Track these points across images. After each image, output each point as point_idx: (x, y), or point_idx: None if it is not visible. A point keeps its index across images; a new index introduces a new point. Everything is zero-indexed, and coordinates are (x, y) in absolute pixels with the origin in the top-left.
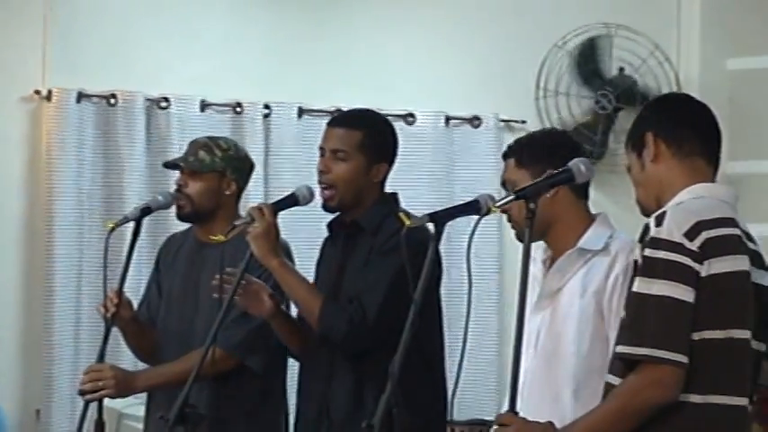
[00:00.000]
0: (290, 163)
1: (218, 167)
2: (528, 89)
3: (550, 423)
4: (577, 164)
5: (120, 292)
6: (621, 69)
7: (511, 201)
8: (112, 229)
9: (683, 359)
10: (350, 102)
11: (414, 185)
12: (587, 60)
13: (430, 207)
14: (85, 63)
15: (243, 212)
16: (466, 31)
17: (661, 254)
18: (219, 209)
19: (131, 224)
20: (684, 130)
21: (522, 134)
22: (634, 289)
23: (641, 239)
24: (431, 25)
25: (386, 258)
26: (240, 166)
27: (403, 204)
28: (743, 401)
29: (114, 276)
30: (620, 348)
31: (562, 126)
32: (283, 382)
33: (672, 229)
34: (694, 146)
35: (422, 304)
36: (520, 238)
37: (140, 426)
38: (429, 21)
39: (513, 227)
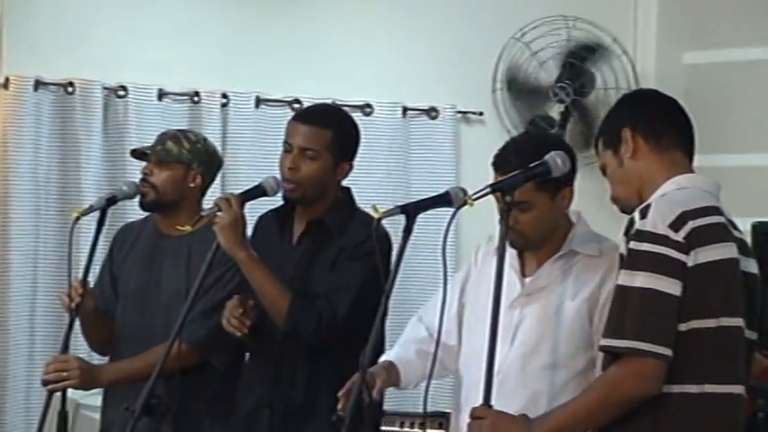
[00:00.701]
0: (247, 152)
1: (185, 159)
2: (485, 81)
3: (524, 415)
4: (554, 157)
5: (84, 282)
6: (569, 62)
7: (487, 193)
8: (77, 219)
9: (666, 351)
10: (307, 92)
11: (371, 176)
12: (578, 56)
13: (386, 198)
14: (43, 51)
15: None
16: (424, 23)
17: (645, 246)
18: (183, 201)
19: (89, 214)
20: (661, 123)
21: (479, 126)
22: (618, 282)
23: (626, 233)
24: (389, 16)
25: (357, 262)
26: (207, 161)
27: (357, 198)
28: (738, 389)
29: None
30: (603, 341)
31: (519, 118)
32: None
33: (656, 221)
34: (672, 139)
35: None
36: (517, 245)
37: (98, 416)
38: (387, 12)
39: (510, 235)
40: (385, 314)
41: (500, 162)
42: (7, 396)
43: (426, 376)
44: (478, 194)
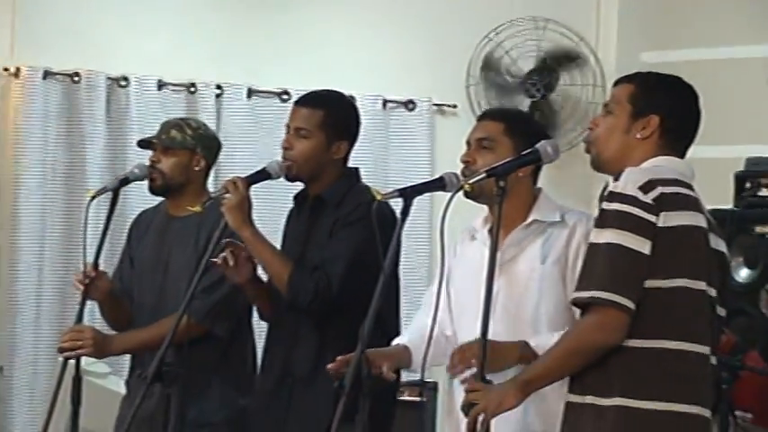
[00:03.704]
0: (240, 139)
1: (189, 145)
2: (460, 77)
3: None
4: (545, 146)
5: (95, 265)
6: (545, 60)
7: (483, 179)
8: (93, 198)
9: (629, 303)
10: (295, 84)
11: (353, 162)
12: (494, 75)
13: (367, 183)
14: (51, 43)
15: (212, 187)
16: (404, 22)
17: (614, 206)
18: (189, 183)
19: (103, 194)
20: (684, 134)
21: (454, 118)
22: (589, 240)
23: (600, 197)
24: (371, 15)
25: (349, 229)
26: (209, 145)
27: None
28: (696, 348)
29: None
30: (573, 295)
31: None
32: (252, 343)
33: (627, 183)
34: (681, 147)
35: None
36: (470, 195)
37: (101, 381)
38: (370, 11)
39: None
40: (395, 291)
41: (488, 112)
42: (15, 363)
43: (434, 361)
44: (475, 179)
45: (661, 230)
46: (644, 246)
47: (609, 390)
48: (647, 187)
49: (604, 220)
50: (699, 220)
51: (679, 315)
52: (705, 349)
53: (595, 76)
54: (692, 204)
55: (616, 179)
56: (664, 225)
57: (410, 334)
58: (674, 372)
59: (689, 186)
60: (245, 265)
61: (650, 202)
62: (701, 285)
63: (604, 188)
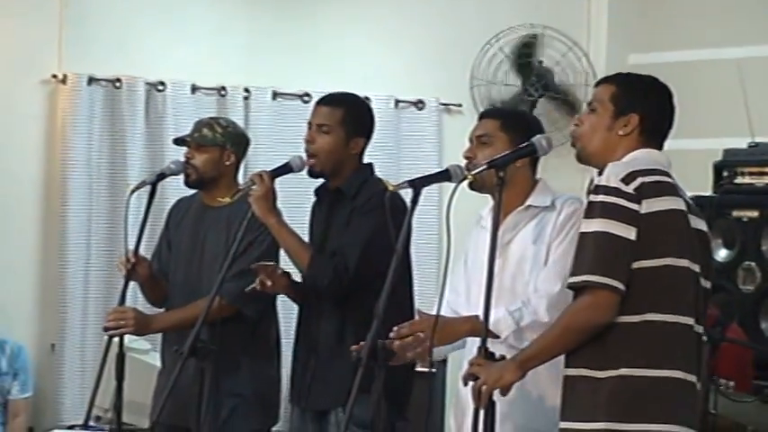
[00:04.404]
0: (266, 137)
1: (219, 141)
2: (464, 78)
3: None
4: (540, 139)
5: (136, 252)
6: (540, 62)
7: (484, 170)
8: (133, 192)
9: (618, 284)
10: (315, 87)
11: (368, 157)
12: (523, 55)
13: (380, 175)
14: (95, 52)
15: (242, 180)
16: (413, 28)
17: (600, 197)
18: (221, 177)
19: (142, 188)
20: (661, 130)
21: (459, 116)
22: (579, 230)
23: (588, 191)
24: (383, 22)
25: (364, 217)
26: (238, 141)
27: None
28: (683, 320)
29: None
30: (568, 280)
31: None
32: (276, 323)
33: (610, 177)
34: (658, 140)
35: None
36: (473, 187)
37: (142, 357)
38: (382, 18)
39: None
40: (408, 271)
41: (485, 112)
42: (65, 341)
43: (455, 349)
44: (477, 171)
45: (644, 216)
46: (630, 232)
47: (604, 363)
48: (628, 179)
49: (592, 211)
50: (678, 204)
51: (665, 290)
52: (689, 320)
53: (587, 76)
54: (671, 190)
55: (600, 173)
56: (647, 211)
57: None
58: (661, 341)
59: (666, 174)
60: (280, 279)
61: (632, 192)
62: (684, 263)
63: (591, 182)
